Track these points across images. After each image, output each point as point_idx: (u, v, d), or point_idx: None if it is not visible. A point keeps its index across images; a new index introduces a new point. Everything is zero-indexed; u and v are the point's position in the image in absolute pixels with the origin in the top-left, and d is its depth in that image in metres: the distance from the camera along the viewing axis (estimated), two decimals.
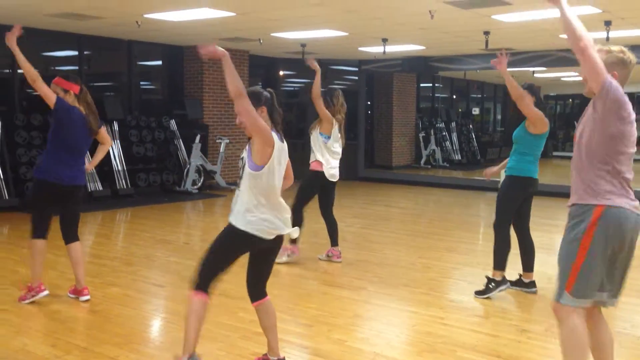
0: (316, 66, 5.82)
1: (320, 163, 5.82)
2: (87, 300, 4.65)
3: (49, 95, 4.48)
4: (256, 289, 3.36)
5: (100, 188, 9.94)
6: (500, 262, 4.91)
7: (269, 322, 3.36)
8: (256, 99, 3.15)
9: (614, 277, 2.80)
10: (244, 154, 3.20)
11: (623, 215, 2.70)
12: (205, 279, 3.16)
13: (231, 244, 3.19)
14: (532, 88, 4.91)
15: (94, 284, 5.08)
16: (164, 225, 8.17)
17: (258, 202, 3.12)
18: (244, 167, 3.17)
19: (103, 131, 4.81)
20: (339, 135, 5.89)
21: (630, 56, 2.82)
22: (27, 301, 4.59)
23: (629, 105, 2.70)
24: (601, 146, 2.70)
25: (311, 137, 5.90)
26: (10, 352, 3.67)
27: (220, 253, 3.21)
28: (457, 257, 6.43)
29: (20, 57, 4.48)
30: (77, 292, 4.71)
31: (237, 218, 3.15)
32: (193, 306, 3.13)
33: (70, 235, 4.72)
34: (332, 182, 5.93)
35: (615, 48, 2.81)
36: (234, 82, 2.95)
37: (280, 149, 3.17)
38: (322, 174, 5.82)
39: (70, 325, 4.22)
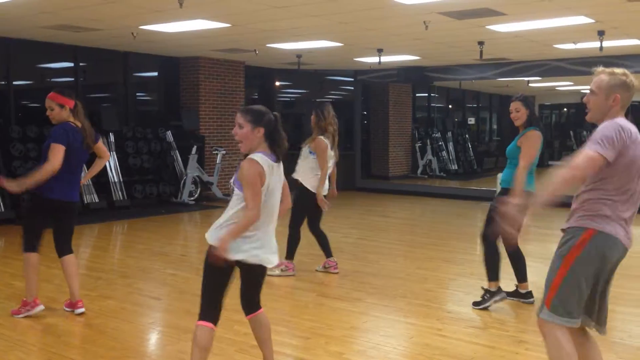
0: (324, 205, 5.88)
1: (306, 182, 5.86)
2: (81, 314, 4.62)
3: (61, 153, 4.35)
4: (249, 302, 3.34)
5: (97, 200, 9.91)
6: (493, 273, 4.90)
7: (264, 334, 3.34)
8: (257, 118, 3.12)
9: (595, 301, 2.82)
10: (233, 179, 3.17)
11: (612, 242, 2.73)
12: (205, 307, 3.13)
13: (210, 263, 3.12)
14: (526, 100, 4.89)
15: (89, 297, 5.06)
16: (161, 237, 8.14)
17: (246, 234, 3.07)
18: (234, 189, 3.15)
19: (101, 145, 4.80)
20: (333, 153, 5.93)
21: (633, 80, 2.81)
22: (21, 315, 4.56)
23: (628, 136, 2.68)
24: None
25: (302, 153, 5.92)
26: None
27: (208, 277, 3.16)
28: (454, 268, 6.42)
29: (32, 181, 4.34)
30: (72, 305, 4.68)
31: (210, 235, 3.12)
32: (195, 335, 3.09)
33: (64, 248, 4.70)
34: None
35: (618, 71, 2.81)
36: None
37: (272, 169, 3.10)
38: (309, 191, 5.84)
39: (66, 339, 4.19)
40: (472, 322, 4.64)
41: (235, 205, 3.11)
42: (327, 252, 6.08)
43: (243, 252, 3.08)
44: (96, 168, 4.91)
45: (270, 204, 3.13)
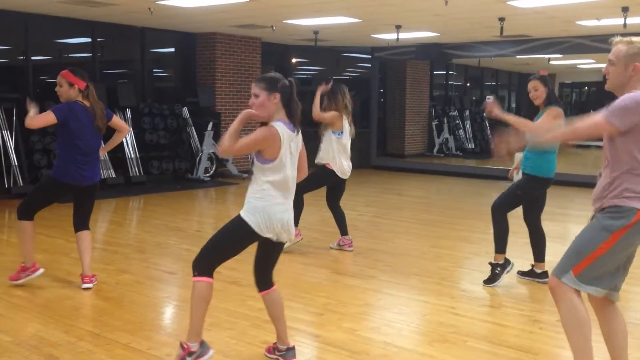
0: (321, 89, 5.80)
1: (329, 162, 5.83)
2: (87, 289, 4.67)
3: (47, 119, 4.41)
4: (263, 279, 3.35)
5: (114, 175, 10.00)
6: (501, 246, 4.91)
7: (277, 311, 3.37)
8: (272, 85, 3.13)
9: (620, 273, 2.84)
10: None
11: None
12: (209, 265, 3.17)
13: (236, 236, 3.17)
14: (544, 79, 4.80)
15: (107, 271, 5.12)
16: (176, 212, 8.20)
17: (266, 194, 3.11)
18: (253, 159, 3.17)
19: (116, 120, 4.83)
20: (349, 128, 5.88)
21: None
22: (20, 281, 4.65)
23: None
24: None
25: (323, 139, 5.88)
26: (25, 338, 3.71)
27: (227, 242, 3.20)
28: (469, 247, 6.40)
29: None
30: (82, 277, 4.76)
31: (244, 209, 3.15)
32: (198, 290, 3.13)
33: (81, 225, 4.77)
34: (344, 178, 5.93)
35: (636, 39, 2.79)
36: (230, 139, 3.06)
37: (291, 140, 3.14)
38: (333, 172, 5.84)
39: (83, 311, 4.25)
40: (486, 300, 4.63)
41: (257, 177, 3.14)
42: (343, 230, 6.07)
43: (257, 224, 3.10)
44: (114, 141, 4.95)
45: (284, 174, 3.13)
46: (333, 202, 6.06)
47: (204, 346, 3.20)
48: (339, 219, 6.07)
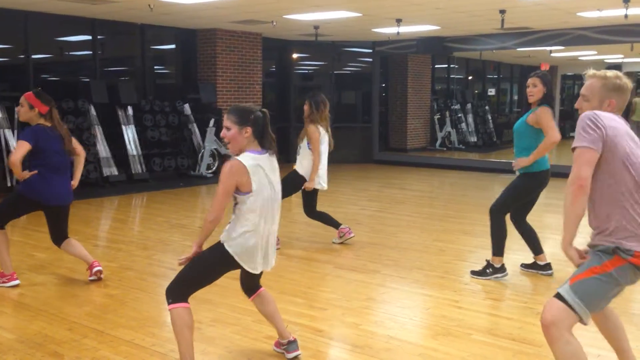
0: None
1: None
2: (99, 271, 4.77)
3: (23, 149, 4.39)
4: (250, 287, 3.37)
5: (116, 173, 10.01)
6: (497, 248, 4.90)
7: (270, 308, 3.38)
8: (243, 118, 3.08)
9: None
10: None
11: None
12: (183, 293, 3.08)
13: (215, 264, 3.12)
14: (545, 78, 4.76)
15: (110, 268, 5.13)
16: (179, 209, 8.21)
17: (246, 224, 3.05)
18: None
19: (75, 143, 4.75)
20: (327, 139, 5.91)
21: (627, 82, 2.68)
22: None
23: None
24: None
25: (300, 148, 5.90)
26: (29, 336, 3.72)
27: (204, 271, 3.13)
28: (472, 240, 6.39)
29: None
30: (90, 267, 4.80)
31: (224, 236, 3.11)
32: (176, 317, 3.03)
33: (61, 238, 4.80)
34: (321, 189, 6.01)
35: (610, 74, 2.67)
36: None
37: (261, 161, 3.07)
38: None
39: (87, 309, 4.26)
40: (489, 294, 4.62)
41: (239, 208, 3.10)
42: (335, 224, 6.09)
43: (237, 254, 3.07)
44: (78, 170, 4.84)
45: (262, 200, 3.06)
46: (312, 209, 6.07)
47: None
48: (325, 219, 6.11)
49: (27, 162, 4.53)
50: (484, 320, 4.00)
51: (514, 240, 5.99)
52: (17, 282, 4.69)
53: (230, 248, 3.05)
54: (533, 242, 5.03)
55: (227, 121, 3.11)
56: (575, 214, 2.51)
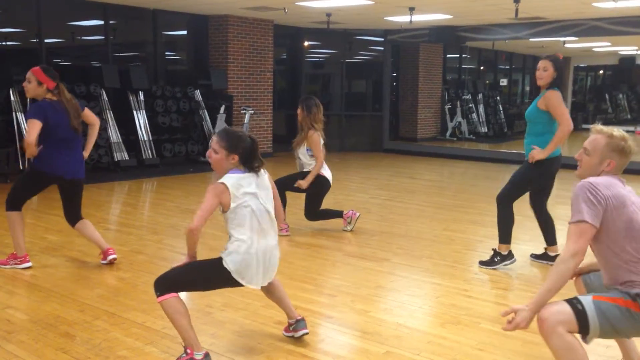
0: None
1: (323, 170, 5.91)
2: (113, 259, 4.82)
3: (36, 128, 4.38)
4: None
5: (127, 158, 10.06)
6: (505, 236, 4.90)
7: (278, 293, 3.42)
8: (233, 146, 3.09)
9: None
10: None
11: None
12: (174, 288, 3.09)
13: (212, 274, 3.15)
14: (557, 62, 4.72)
15: (121, 252, 5.17)
16: (189, 195, 8.24)
17: (238, 238, 3.08)
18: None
19: (87, 112, 4.75)
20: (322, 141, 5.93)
21: (631, 145, 2.65)
22: (7, 267, 4.69)
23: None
24: None
25: (299, 153, 5.92)
26: (41, 317, 3.76)
27: (198, 276, 3.16)
28: (482, 230, 6.38)
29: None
30: (104, 253, 4.84)
31: (223, 252, 3.13)
32: (168, 307, 3.04)
33: (74, 218, 4.82)
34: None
35: (617, 134, 2.64)
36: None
37: (244, 178, 3.10)
38: (325, 179, 5.92)
39: (99, 291, 4.30)
40: (498, 283, 4.62)
41: (228, 227, 3.14)
42: (337, 214, 6.12)
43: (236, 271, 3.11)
44: (90, 140, 4.86)
45: (247, 216, 3.08)
46: (314, 213, 6.06)
47: (208, 358, 3.09)
48: (327, 215, 6.13)
49: (38, 137, 4.51)
50: (493, 310, 4.00)
51: (524, 230, 5.98)
52: (29, 264, 4.73)
53: (227, 264, 3.08)
54: (549, 232, 5.01)
55: (215, 145, 3.12)
56: (565, 282, 2.52)
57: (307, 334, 3.43)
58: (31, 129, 4.39)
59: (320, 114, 5.85)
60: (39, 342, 3.39)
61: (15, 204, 4.69)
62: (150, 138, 10.46)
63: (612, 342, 3.18)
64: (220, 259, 3.11)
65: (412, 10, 10.12)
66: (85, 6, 10.07)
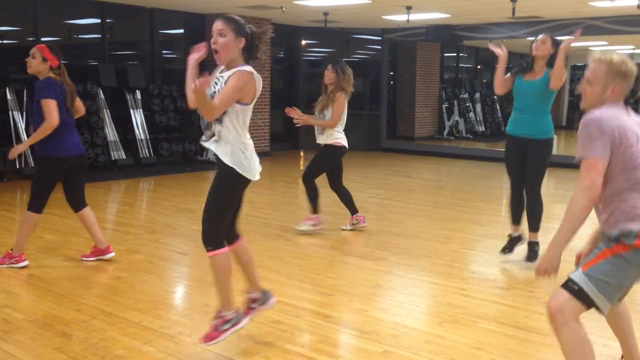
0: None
1: (340, 139, 5.84)
2: (111, 257, 4.82)
3: (54, 108, 4.39)
4: (234, 230, 3.33)
5: (124, 157, 10.04)
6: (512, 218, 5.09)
7: (246, 258, 3.36)
8: (241, 28, 3.05)
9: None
10: (216, 89, 3.03)
11: None
12: (220, 236, 3.08)
13: (232, 190, 3.10)
14: (555, 41, 4.81)
15: (118, 251, 5.16)
16: (186, 194, 8.23)
17: (245, 141, 3.09)
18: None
19: (78, 101, 4.75)
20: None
21: (632, 67, 2.63)
22: (4, 266, 4.66)
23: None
24: None
25: (321, 118, 5.82)
26: (38, 316, 3.75)
27: (226, 201, 3.10)
28: (479, 229, 6.39)
29: (33, 141, 4.45)
30: (102, 251, 4.81)
31: (231, 160, 3.04)
32: (218, 264, 3.06)
33: (79, 202, 4.80)
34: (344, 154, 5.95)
35: (616, 59, 2.61)
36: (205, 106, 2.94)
37: (258, 86, 3.11)
38: (345, 149, 5.88)
39: (96, 290, 4.29)
40: (496, 282, 4.63)
41: (232, 121, 3.06)
42: (352, 209, 6.07)
43: (246, 171, 3.09)
44: None
45: (249, 119, 3.13)
46: (337, 183, 6.03)
47: (239, 314, 3.19)
48: (347, 198, 6.06)
49: (36, 116, 4.46)
50: (491, 309, 4.01)
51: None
52: (25, 262, 4.72)
53: (237, 167, 3.03)
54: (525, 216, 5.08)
55: (223, 25, 2.99)
56: (581, 220, 2.49)
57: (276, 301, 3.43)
58: (51, 110, 4.35)
59: (352, 79, 5.77)
60: (36, 342, 3.38)
61: (37, 205, 4.64)
62: (148, 137, 10.44)
63: (609, 341, 3.19)
64: (230, 171, 3.02)
65: (409, 9, 10.12)
66: (82, 4, 10.04)
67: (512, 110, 5.00)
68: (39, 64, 4.52)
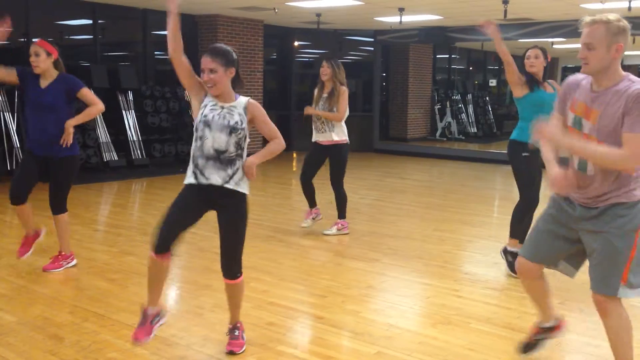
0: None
1: (343, 135, 5.91)
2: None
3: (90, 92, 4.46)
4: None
5: (116, 158, 10.00)
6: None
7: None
8: (229, 60, 3.15)
9: None
10: (237, 119, 3.22)
11: None
12: (241, 263, 3.33)
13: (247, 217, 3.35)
14: (544, 51, 4.88)
15: (110, 253, 5.14)
16: None
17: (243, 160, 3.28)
18: (237, 131, 3.22)
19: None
20: None
21: (626, 23, 2.59)
22: (61, 269, 4.68)
23: None
24: None
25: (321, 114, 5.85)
26: (30, 319, 3.73)
27: (245, 227, 3.35)
28: (472, 230, 6.41)
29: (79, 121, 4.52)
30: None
31: (243, 189, 3.25)
32: (244, 286, 3.35)
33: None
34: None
35: (612, 17, 2.54)
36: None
37: None
38: (348, 145, 5.97)
39: (88, 293, 4.27)
40: (489, 283, 4.64)
41: (241, 153, 3.35)
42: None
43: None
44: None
45: None
46: (311, 176, 5.98)
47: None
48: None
49: (67, 113, 4.41)
50: (483, 310, 4.02)
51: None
52: (75, 261, 4.78)
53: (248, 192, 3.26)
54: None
55: (212, 63, 3.11)
56: (602, 160, 2.51)
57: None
58: (94, 96, 4.41)
59: (344, 73, 5.90)
60: (27, 344, 3.36)
61: (65, 205, 4.66)
62: (140, 138, 10.40)
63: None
64: (246, 200, 3.24)
65: (401, 10, 10.15)
66: (73, 5, 10.00)
67: (526, 122, 4.66)
68: (45, 59, 4.45)
